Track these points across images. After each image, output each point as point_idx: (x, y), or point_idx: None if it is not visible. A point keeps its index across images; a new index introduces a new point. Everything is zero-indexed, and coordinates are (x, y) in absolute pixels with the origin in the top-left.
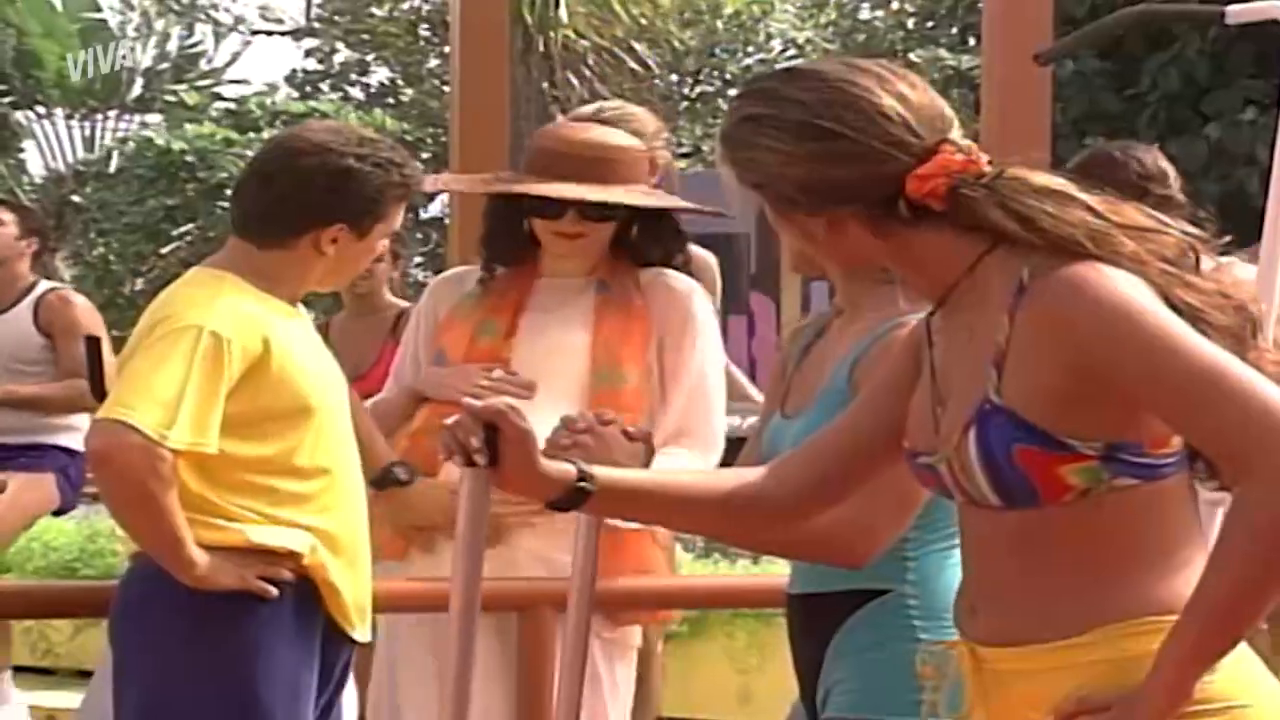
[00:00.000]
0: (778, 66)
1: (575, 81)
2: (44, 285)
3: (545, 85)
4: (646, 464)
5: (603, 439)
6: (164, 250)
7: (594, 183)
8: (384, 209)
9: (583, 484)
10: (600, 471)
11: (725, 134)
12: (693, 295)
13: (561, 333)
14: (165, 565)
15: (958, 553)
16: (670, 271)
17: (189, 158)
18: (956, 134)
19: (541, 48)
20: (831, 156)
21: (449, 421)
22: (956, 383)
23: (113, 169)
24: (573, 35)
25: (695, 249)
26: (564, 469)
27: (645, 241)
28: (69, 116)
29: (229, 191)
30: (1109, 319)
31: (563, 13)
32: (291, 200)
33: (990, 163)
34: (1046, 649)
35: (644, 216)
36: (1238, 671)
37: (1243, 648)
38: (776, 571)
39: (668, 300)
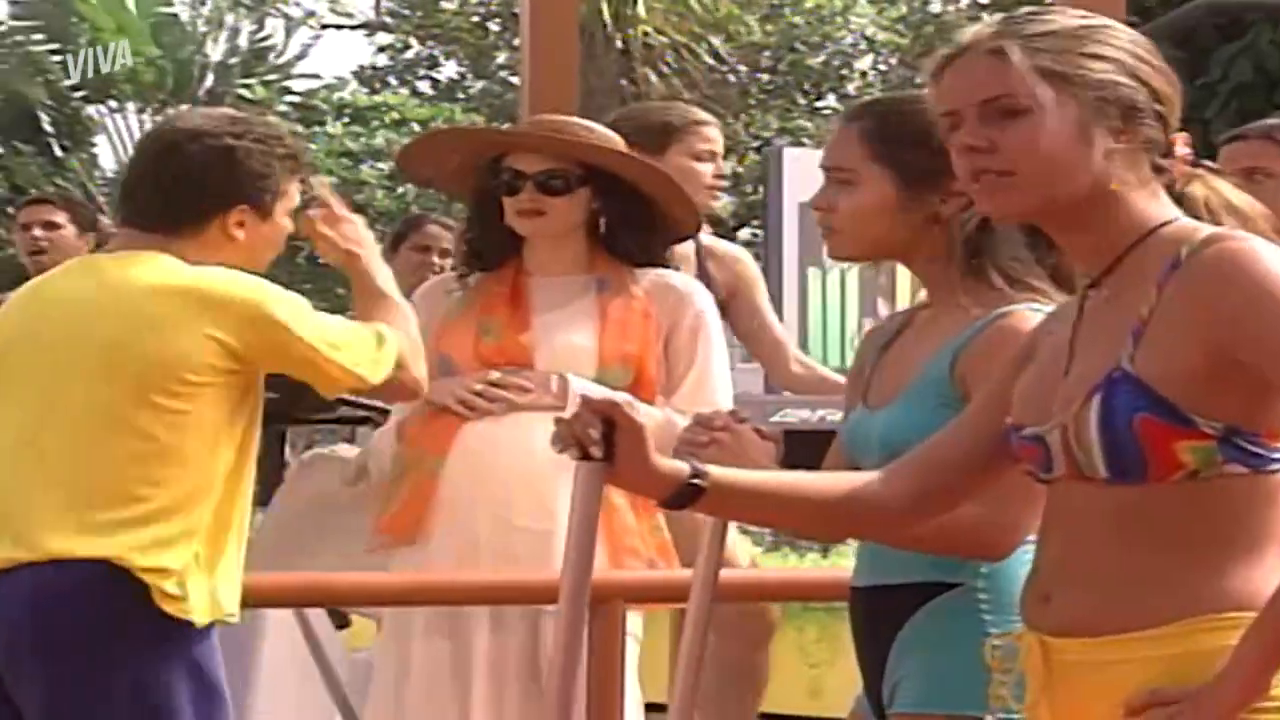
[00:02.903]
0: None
1: (654, 77)
2: None
3: (623, 82)
4: (778, 463)
5: (739, 437)
6: None
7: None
8: (279, 184)
9: (695, 481)
10: (714, 470)
11: (1057, 30)
12: (697, 294)
13: (567, 333)
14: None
15: (1034, 548)
16: (671, 271)
17: None
18: None
19: (620, 45)
20: (1156, 87)
21: (566, 415)
22: (1090, 352)
23: None
24: (651, 31)
25: (721, 244)
26: (677, 466)
27: (619, 234)
28: (140, 111)
29: None
30: (1258, 294)
31: (640, 9)
32: (185, 188)
33: None
34: (1121, 640)
35: (609, 208)
36: None
37: None
38: (846, 565)
39: (673, 299)
